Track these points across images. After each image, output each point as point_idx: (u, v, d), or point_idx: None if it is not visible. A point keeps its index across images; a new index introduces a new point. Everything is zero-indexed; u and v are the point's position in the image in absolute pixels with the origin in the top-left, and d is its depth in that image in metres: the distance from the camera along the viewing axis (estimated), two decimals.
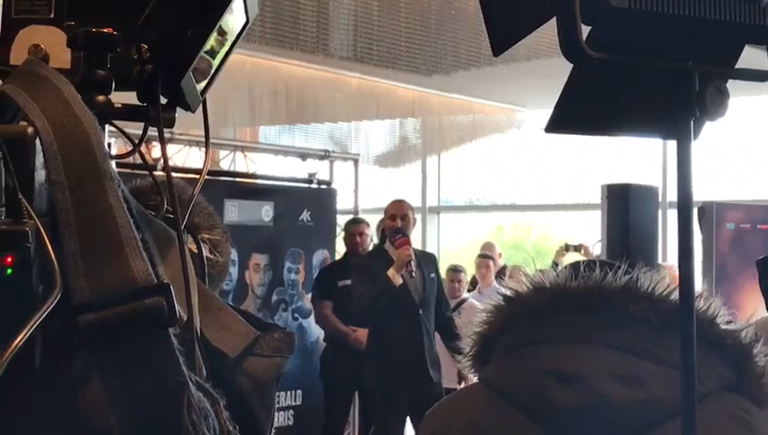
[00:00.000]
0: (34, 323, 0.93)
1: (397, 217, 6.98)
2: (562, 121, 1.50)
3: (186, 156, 7.44)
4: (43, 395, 1.01)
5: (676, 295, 1.62)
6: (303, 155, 8.68)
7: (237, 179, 7.82)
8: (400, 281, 6.78)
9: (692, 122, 1.39)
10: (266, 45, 8.25)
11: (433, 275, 7.11)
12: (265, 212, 7.66)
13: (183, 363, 1.04)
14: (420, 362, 6.80)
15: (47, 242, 0.99)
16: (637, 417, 1.63)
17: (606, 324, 1.69)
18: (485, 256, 9.82)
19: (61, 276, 0.99)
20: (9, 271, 0.96)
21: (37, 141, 1.04)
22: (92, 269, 1.01)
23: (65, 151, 1.04)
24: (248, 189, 7.67)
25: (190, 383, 1.04)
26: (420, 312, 6.87)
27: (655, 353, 1.64)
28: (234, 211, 7.29)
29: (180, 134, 7.13)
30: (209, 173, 7.57)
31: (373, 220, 8.26)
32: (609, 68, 1.40)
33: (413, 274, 6.83)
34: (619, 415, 1.63)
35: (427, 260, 7.18)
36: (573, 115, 1.49)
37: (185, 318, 1.14)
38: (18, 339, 0.92)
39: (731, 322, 1.73)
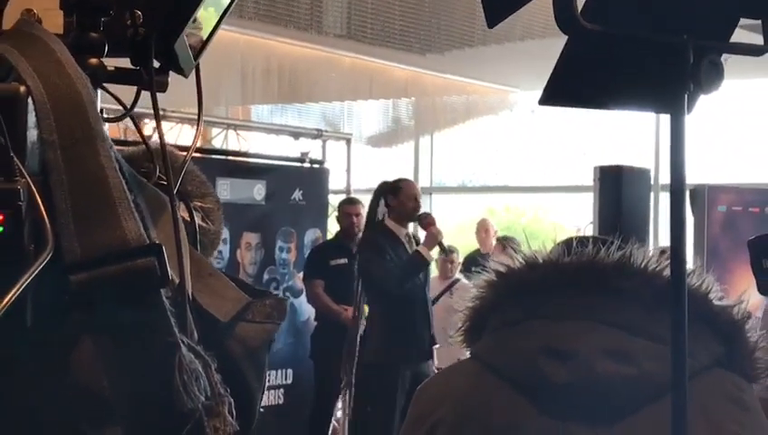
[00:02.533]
0: (25, 281, 0.93)
1: (418, 198, 7.20)
2: (556, 94, 1.49)
3: (178, 133, 7.42)
4: (34, 354, 1.01)
5: (669, 271, 1.62)
6: (296, 134, 8.66)
7: (229, 158, 7.80)
8: (434, 257, 7.10)
9: (686, 96, 1.39)
10: (259, 22, 8.22)
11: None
12: (257, 191, 7.65)
13: (174, 325, 1.04)
14: (424, 339, 6.90)
15: (39, 201, 0.99)
16: (629, 393, 1.63)
17: (599, 301, 1.69)
18: (485, 221, 10.26)
19: (53, 236, 0.99)
20: (0, 229, 0.96)
21: (29, 101, 1.03)
22: (84, 229, 1.01)
23: (58, 111, 1.04)
24: (240, 168, 7.66)
25: (182, 345, 1.04)
26: (425, 289, 6.98)
27: (648, 330, 1.64)
28: (226, 190, 7.28)
29: (173, 111, 7.11)
30: (201, 151, 7.58)
31: (364, 201, 8.25)
32: (604, 41, 1.40)
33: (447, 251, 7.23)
34: (612, 391, 1.63)
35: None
36: (567, 88, 1.48)
37: (176, 281, 1.14)
38: (8, 297, 0.91)
39: (723, 298, 1.73)
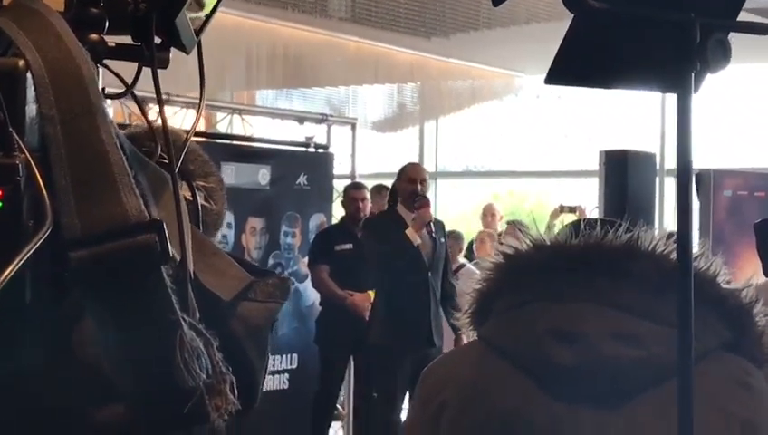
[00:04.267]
0: (23, 257, 0.92)
1: (417, 181, 7.07)
2: (562, 74, 1.49)
3: (183, 118, 7.41)
4: (33, 332, 1.00)
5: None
6: (301, 119, 8.64)
7: (234, 142, 7.78)
8: (419, 241, 6.90)
9: (693, 75, 1.38)
10: (264, 6, 8.20)
11: (443, 240, 7.20)
12: (262, 175, 7.64)
13: (176, 302, 1.03)
14: (425, 325, 6.85)
15: (38, 176, 0.98)
16: (636, 376, 1.62)
17: (606, 283, 1.68)
18: (491, 205, 10.34)
19: (52, 212, 0.98)
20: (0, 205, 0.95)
21: (28, 75, 1.02)
22: (84, 205, 1.00)
23: (57, 85, 1.02)
24: (245, 152, 7.64)
25: (183, 323, 1.03)
26: (429, 274, 6.91)
27: (655, 313, 1.64)
28: (230, 174, 7.26)
29: (177, 96, 7.09)
30: (206, 136, 7.56)
31: (369, 186, 8.24)
32: (610, 19, 1.38)
33: (432, 234, 6.97)
34: (618, 374, 1.62)
35: (437, 226, 7.22)
36: (573, 68, 1.47)
37: (178, 259, 1.12)
38: (6, 272, 0.90)
39: (731, 282, 1.72)
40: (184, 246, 1.15)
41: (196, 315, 1.12)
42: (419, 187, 7.04)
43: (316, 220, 8.06)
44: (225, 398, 1.08)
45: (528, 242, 1.75)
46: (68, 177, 1.00)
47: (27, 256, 0.92)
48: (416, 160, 12.41)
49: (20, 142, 0.98)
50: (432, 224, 7.02)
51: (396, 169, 7.35)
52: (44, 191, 0.98)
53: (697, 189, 7.32)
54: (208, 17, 1.30)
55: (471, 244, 9.90)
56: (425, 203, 6.99)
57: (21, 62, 1.02)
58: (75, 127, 1.02)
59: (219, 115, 8.36)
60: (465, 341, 7.17)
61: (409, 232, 6.88)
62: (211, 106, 7.94)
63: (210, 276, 1.25)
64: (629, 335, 1.64)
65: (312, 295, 7.87)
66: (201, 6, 1.30)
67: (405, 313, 6.84)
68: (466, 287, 1.85)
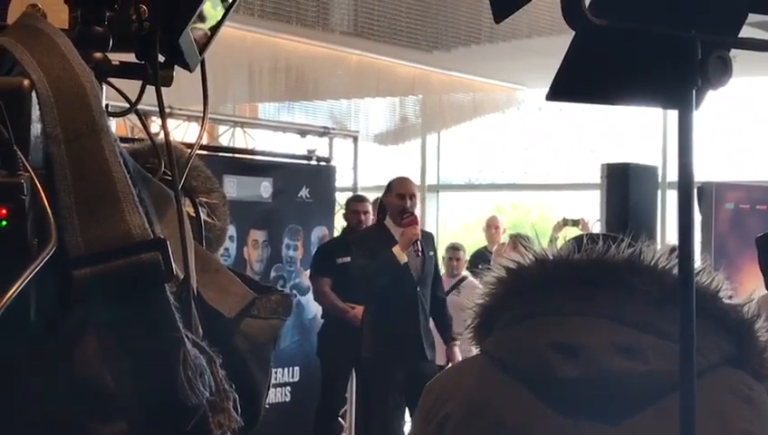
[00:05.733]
0: (28, 276, 0.92)
1: (405, 197, 6.93)
2: (563, 90, 1.49)
3: (185, 131, 7.42)
4: (37, 350, 1.00)
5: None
6: (303, 131, 8.65)
7: (236, 155, 7.79)
8: (406, 259, 6.77)
9: (694, 92, 1.38)
10: (266, 20, 8.22)
11: (432, 253, 7.11)
12: (264, 188, 7.64)
13: (179, 320, 1.03)
14: (416, 338, 6.79)
15: (42, 195, 0.98)
16: (638, 390, 1.62)
17: (608, 297, 1.68)
18: (494, 218, 10.32)
19: (56, 230, 0.98)
20: (3, 223, 0.95)
21: (33, 94, 1.03)
22: (88, 223, 1.00)
23: (61, 104, 1.03)
24: (247, 165, 7.64)
25: (186, 340, 1.03)
26: (418, 289, 6.86)
27: (657, 327, 1.64)
28: (232, 187, 7.27)
29: (180, 109, 7.10)
30: (208, 148, 7.57)
31: (371, 198, 8.24)
32: (611, 36, 1.39)
33: (419, 253, 6.84)
34: (620, 387, 1.62)
35: (426, 239, 7.16)
36: (574, 84, 1.48)
37: (181, 276, 1.13)
38: (11, 291, 0.91)
39: (732, 296, 1.72)
40: (187, 263, 1.15)
41: (199, 333, 1.12)
42: (408, 202, 6.91)
43: (318, 233, 8.06)
44: (228, 415, 1.08)
45: (531, 256, 1.75)
46: (72, 195, 1.01)
47: (32, 274, 0.93)
48: (417, 173, 12.44)
49: (24, 161, 0.98)
50: (418, 242, 6.84)
51: None
52: (49, 210, 0.98)
53: (699, 202, 7.32)
54: (211, 36, 1.31)
55: (474, 256, 9.89)
56: (412, 220, 6.84)
57: (26, 82, 1.03)
58: (79, 146, 1.02)
59: (221, 128, 8.37)
60: (457, 352, 7.21)
61: (396, 250, 6.76)
62: (213, 119, 7.95)
63: (213, 293, 1.25)
64: (632, 349, 1.64)
65: (313, 309, 7.87)
66: (203, 19, 1.31)
67: (394, 327, 6.77)
68: (468, 301, 1.85)
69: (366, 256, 6.83)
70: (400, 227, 6.83)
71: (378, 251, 6.76)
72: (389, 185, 7.08)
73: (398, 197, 6.93)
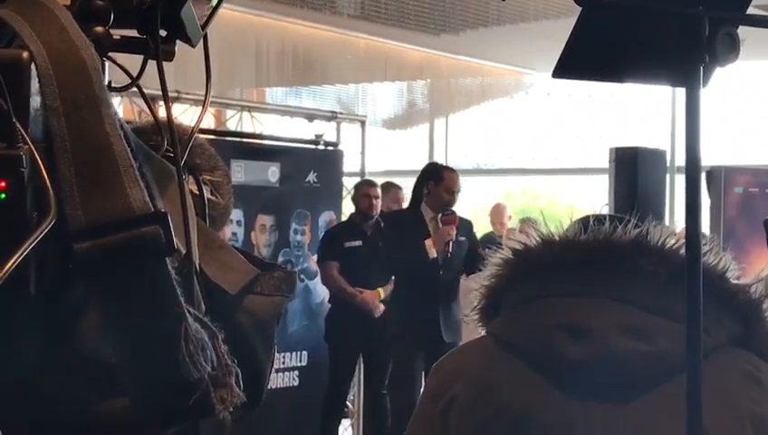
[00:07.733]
0: (27, 248, 0.91)
1: (454, 193, 6.98)
2: (570, 67, 1.48)
3: (192, 116, 7.40)
4: (38, 323, 1.00)
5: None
6: (310, 116, 8.63)
7: (244, 140, 7.78)
8: (435, 254, 6.81)
9: (701, 69, 1.37)
10: (274, 4, 8.20)
11: (463, 238, 7.08)
12: (272, 173, 7.63)
13: (181, 295, 1.02)
14: (434, 323, 6.84)
15: (42, 168, 0.97)
16: (645, 371, 1.62)
17: (615, 278, 1.68)
18: (499, 213, 10.27)
19: (56, 203, 0.97)
20: (3, 196, 0.94)
21: (32, 66, 1.02)
22: (88, 196, 0.99)
23: (61, 77, 1.02)
24: (254, 150, 7.63)
25: (188, 315, 1.03)
26: (441, 273, 6.88)
27: (664, 308, 1.63)
28: (240, 172, 7.26)
29: (186, 93, 7.09)
30: (215, 133, 7.56)
31: (379, 182, 8.24)
32: (618, 12, 1.38)
33: (449, 254, 6.84)
34: (627, 369, 1.62)
35: (463, 226, 7.14)
36: (581, 61, 1.47)
37: (183, 251, 1.12)
38: (9, 263, 0.90)
39: (740, 277, 1.71)
40: (189, 238, 1.14)
41: (201, 308, 1.12)
42: (455, 199, 6.96)
43: (326, 217, 8.06)
44: (230, 390, 1.07)
45: (537, 238, 1.74)
46: (72, 168, 1.00)
47: (30, 247, 0.92)
48: (425, 158, 12.41)
49: (24, 134, 0.98)
50: (451, 243, 6.85)
51: (405, 167, 7.33)
52: (48, 183, 0.97)
53: (708, 186, 7.30)
54: (214, 9, 1.30)
55: (482, 239, 9.92)
56: (451, 219, 6.88)
57: (25, 54, 1.02)
58: (79, 118, 1.02)
59: (229, 113, 8.36)
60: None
61: (428, 244, 6.82)
62: (220, 104, 7.94)
63: (216, 269, 1.25)
64: (639, 330, 1.63)
65: (321, 293, 7.87)
66: None
67: (416, 311, 6.83)
68: (475, 284, 1.85)
69: (395, 243, 6.84)
70: (436, 218, 6.84)
71: (409, 239, 6.79)
72: (440, 176, 7.06)
73: (447, 191, 6.95)
